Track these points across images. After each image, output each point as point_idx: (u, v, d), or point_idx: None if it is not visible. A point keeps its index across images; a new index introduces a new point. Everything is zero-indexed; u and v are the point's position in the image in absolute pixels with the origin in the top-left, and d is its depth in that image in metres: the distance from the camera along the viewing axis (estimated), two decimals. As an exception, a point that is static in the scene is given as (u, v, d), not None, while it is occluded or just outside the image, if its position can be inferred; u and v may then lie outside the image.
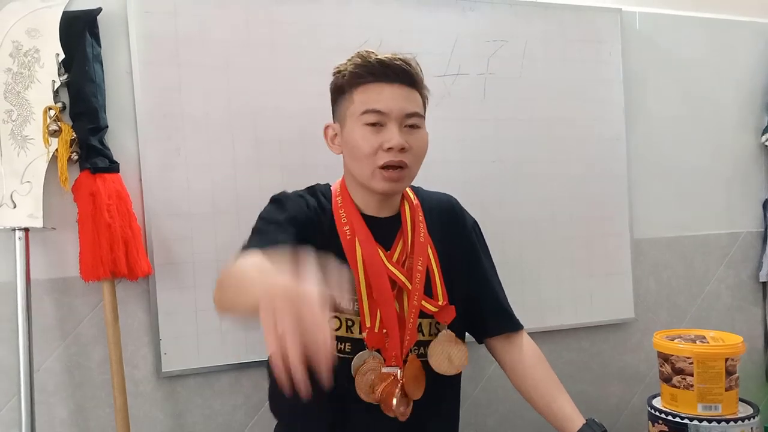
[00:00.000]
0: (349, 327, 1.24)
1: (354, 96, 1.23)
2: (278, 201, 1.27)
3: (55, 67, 1.43)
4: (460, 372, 1.32)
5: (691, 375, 1.33)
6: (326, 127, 1.31)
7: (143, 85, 1.52)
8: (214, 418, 1.60)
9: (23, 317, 1.38)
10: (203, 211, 1.56)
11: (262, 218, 1.24)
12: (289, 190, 1.32)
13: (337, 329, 1.24)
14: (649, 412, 1.41)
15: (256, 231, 1.21)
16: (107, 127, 1.48)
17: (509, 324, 1.36)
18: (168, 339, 1.53)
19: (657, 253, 2.09)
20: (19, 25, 1.42)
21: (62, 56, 1.43)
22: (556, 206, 1.92)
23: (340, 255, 1.23)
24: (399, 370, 1.22)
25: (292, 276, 0.82)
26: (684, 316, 2.13)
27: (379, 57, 1.22)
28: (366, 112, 1.20)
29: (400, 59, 1.22)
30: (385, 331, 1.23)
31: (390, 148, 1.20)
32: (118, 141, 1.51)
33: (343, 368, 1.22)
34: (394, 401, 1.19)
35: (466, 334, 1.38)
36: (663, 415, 1.36)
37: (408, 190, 1.34)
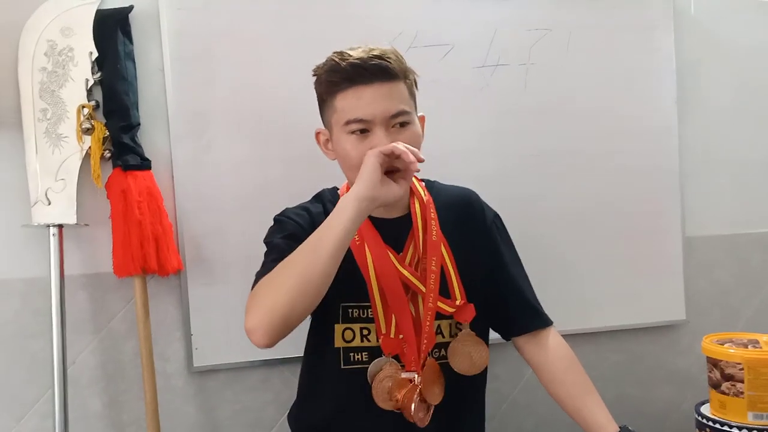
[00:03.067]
0: (364, 336, 1.22)
1: (335, 104, 1.17)
2: (279, 222, 1.26)
3: (89, 66, 1.46)
4: (485, 374, 1.28)
5: (742, 382, 1.26)
6: (317, 133, 1.26)
7: (175, 81, 1.53)
8: (245, 413, 1.61)
9: (57, 312, 1.41)
10: (233, 207, 1.57)
11: (267, 243, 1.23)
12: (317, 189, 1.32)
13: (350, 341, 1.22)
14: (697, 420, 1.35)
15: (266, 257, 1.20)
16: (139, 124, 1.49)
17: (535, 321, 1.31)
18: (199, 334, 1.55)
19: (710, 252, 2.00)
20: (54, 24, 1.45)
21: (95, 54, 1.45)
22: (602, 201, 1.85)
23: (350, 261, 1.20)
24: (417, 376, 1.19)
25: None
26: (739, 318, 2.04)
27: (351, 60, 1.13)
28: (349, 122, 1.15)
29: (376, 56, 1.14)
30: (401, 336, 1.20)
31: None
32: (150, 138, 1.52)
33: (360, 378, 1.21)
34: (413, 407, 1.16)
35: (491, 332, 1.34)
36: (711, 423, 1.30)
37: (418, 185, 1.30)
